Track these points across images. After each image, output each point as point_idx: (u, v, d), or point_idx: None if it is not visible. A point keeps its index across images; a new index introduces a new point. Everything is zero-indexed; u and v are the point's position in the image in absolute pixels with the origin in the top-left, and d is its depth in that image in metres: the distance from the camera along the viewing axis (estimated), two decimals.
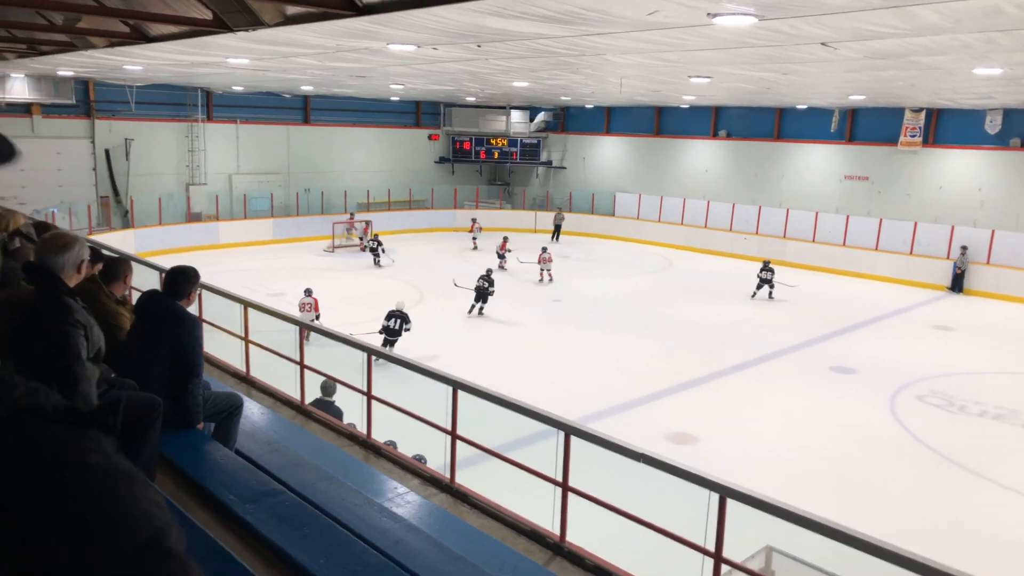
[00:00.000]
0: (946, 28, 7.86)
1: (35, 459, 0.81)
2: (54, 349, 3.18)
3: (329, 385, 8.13)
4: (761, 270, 21.05)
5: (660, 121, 31.05)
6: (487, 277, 18.17)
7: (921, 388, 13.95)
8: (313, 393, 7.78)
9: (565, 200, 33.12)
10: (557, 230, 30.43)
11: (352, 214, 28.39)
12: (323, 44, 11.02)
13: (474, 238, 28.15)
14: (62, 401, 0.88)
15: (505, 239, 24.40)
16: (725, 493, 3.77)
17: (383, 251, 24.44)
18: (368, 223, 27.53)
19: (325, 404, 7.87)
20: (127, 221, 25.03)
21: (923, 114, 23.57)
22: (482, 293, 17.93)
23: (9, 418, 0.83)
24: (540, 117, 34.29)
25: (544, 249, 22.32)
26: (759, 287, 20.94)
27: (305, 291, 15.85)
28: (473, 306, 18.05)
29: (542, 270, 22.09)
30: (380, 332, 14.30)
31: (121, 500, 0.80)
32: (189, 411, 4.29)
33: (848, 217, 25.52)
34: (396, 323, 14.41)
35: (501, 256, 23.41)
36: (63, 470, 0.80)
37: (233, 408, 4.64)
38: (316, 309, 15.46)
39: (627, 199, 31.67)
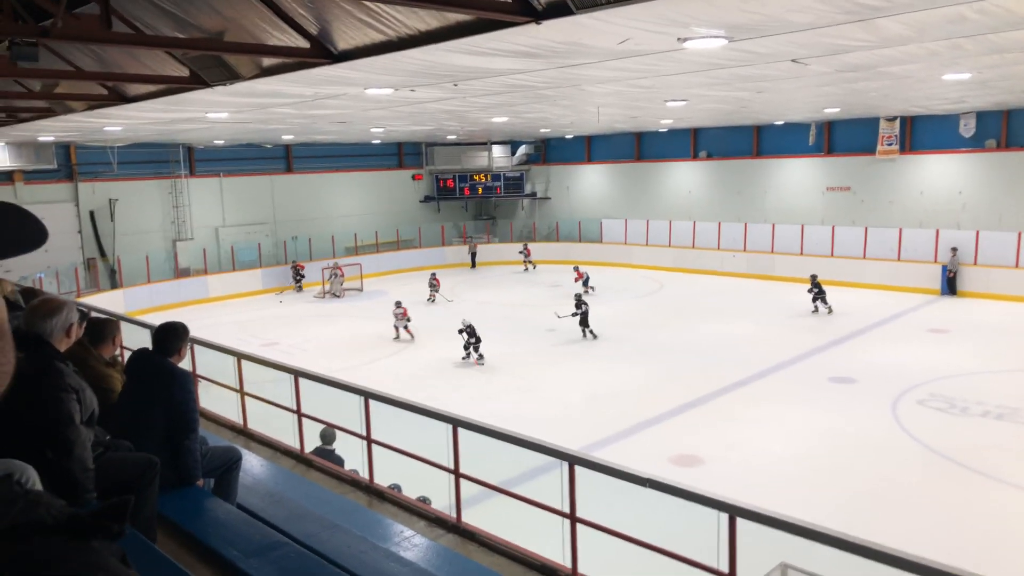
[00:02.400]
0: (912, 38, 8.01)
1: None
2: (47, 416, 3.15)
3: (328, 433, 8.05)
4: (809, 289, 21.10)
5: (640, 146, 31.37)
6: (580, 301, 19.34)
7: (921, 392, 13.93)
8: (312, 441, 7.70)
9: (553, 230, 33.38)
10: (473, 258, 31.93)
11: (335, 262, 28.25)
12: (301, 93, 11.13)
13: (529, 262, 30.48)
14: (64, 509, 0.78)
15: (576, 268, 25.18)
16: (733, 512, 3.73)
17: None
18: (338, 267, 27.37)
19: (325, 452, 7.79)
20: (115, 281, 24.95)
21: (897, 122, 23.90)
22: (584, 317, 19.04)
23: (7, 534, 0.74)
24: (521, 150, 34.59)
25: (433, 275, 25.20)
26: (815, 300, 21.00)
27: (396, 303, 19.38)
28: (589, 331, 19.00)
29: (432, 292, 24.52)
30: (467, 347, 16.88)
31: None
32: (187, 468, 4.23)
33: (833, 228, 25.73)
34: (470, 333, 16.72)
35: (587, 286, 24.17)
36: None
37: (232, 462, 4.58)
38: (405, 316, 19.07)
39: (613, 225, 31.85)
